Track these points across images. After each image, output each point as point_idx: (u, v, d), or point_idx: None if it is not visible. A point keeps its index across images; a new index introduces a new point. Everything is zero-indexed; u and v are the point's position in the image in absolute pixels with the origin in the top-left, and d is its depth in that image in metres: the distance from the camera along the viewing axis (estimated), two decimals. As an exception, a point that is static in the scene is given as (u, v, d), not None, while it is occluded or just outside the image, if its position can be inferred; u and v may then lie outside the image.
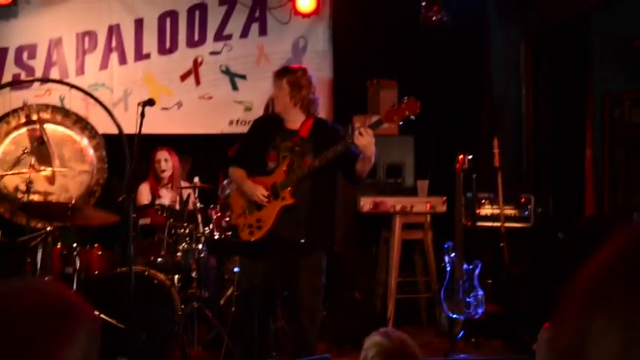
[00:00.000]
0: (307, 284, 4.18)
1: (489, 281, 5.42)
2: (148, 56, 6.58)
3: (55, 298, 1.06)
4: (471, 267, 5.22)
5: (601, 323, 0.76)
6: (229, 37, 6.67)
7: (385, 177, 6.19)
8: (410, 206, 5.84)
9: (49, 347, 1.00)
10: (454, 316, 5.27)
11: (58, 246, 5.09)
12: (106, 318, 4.34)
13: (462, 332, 5.30)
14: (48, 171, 5.80)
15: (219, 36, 6.65)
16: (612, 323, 0.76)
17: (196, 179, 5.44)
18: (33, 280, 1.54)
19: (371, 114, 6.26)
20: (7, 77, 6.34)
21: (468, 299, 5.18)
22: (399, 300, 5.83)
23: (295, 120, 4.27)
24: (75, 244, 5.02)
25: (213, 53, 6.66)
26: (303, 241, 4.14)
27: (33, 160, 5.61)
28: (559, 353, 0.80)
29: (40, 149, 6.06)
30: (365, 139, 3.91)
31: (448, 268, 5.30)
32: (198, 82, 6.65)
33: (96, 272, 4.99)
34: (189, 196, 5.64)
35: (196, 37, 6.63)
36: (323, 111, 6.39)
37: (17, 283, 1.10)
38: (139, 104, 4.54)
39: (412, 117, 3.98)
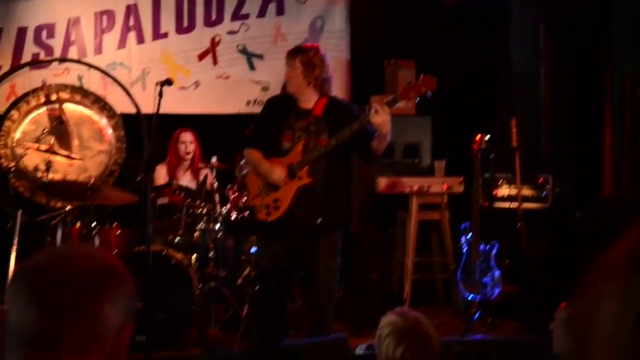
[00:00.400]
0: (324, 264, 4.20)
1: (506, 262, 5.41)
2: (165, 35, 6.58)
3: (103, 262, 1.19)
4: (487, 247, 5.22)
5: (610, 294, 0.82)
6: (246, 16, 6.65)
7: (402, 157, 6.19)
8: (427, 186, 5.84)
9: (95, 302, 1.13)
10: (470, 296, 5.28)
11: (78, 225, 5.14)
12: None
13: (478, 313, 5.31)
14: (68, 157, 5.83)
15: (236, 15, 6.64)
16: (621, 295, 0.81)
17: (214, 159, 5.46)
18: (85, 245, 1.73)
19: (388, 94, 6.22)
20: (27, 56, 6.37)
21: (484, 280, 5.18)
22: (416, 280, 5.84)
23: (309, 99, 4.26)
24: (94, 224, 5.08)
25: (230, 32, 6.65)
26: (319, 221, 4.15)
27: (52, 139, 5.64)
28: (574, 324, 0.87)
29: (60, 129, 6.10)
30: (381, 117, 3.90)
31: (465, 249, 5.31)
32: (215, 61, 6.65)
33: (115, 251, 5.04)
34: (206, 176, 5.68)
35: (214, 17, 6.62)
36: (340, 91, 6.39)
37: (72, 247, 1.28)
38: (157, 84, 4.56)
39: (429, 94, 3.96)
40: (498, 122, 6.42)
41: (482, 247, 5.22)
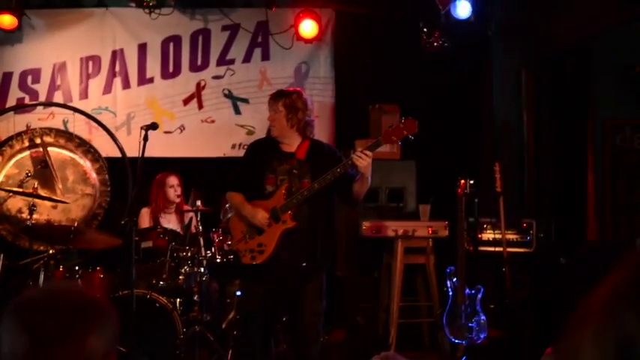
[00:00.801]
0: (309, 308, 4.17)
1: (492, 306, 5.40)
2: (151, 80, 6.63)
3: (88, 296, 1.34)
4: (473, 292, 5.21)
5: (588, 340, 0.84)
6: (232, 61, 6.72)
7: (387, 201, 6.21)
8: (412, 230, 5.84)
9: (81, 332, 1.25)
10: (456, 341, 5.25)
11: (61, 269, 5.08)
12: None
13: (464, 357, 5.27)
14: (52, 200, 5.80)
15: (222, 60, 6.70)
16: (597, 341, 0.84)
17: (198, 203, 5.44)
18: (72, 282, 1.86)
19: (373, 138, 6.27)
20: (12, 101, 6.39)
21: (470, 324, 5.16)
22: (401, 324, 5.81)
23: (291, 143, 4.29)
24: (77, 267, 5.02)
25: (215, 77, 6.70)
26: (304, 265, 4.13)
27: (36, 183, 5.61)
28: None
29: (44, 172, 6.08)
30: (365, 161, 3.94)
31: (450, 293, 5.29)
32: (200, 105, 6.69)
33: (97, 296, 4.97)
34: (191, 219, 5.66)
35: (199, 62, 6.68)
36: (325, 135, 6.44)
37: (59, 283, 1.52)
38: (142, 128, 4.57)
39: (411, 137, 3.99)
40: (482, 167, 6.46)
41: (467, 291, 5.21)
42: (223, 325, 5.46)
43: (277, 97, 4.33)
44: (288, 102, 4.25)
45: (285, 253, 4.17)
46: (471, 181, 5.33)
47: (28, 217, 5.12)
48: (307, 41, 6.61)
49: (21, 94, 6.40)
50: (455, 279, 5.26)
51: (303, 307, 4.17)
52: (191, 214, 5.64)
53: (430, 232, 5.86)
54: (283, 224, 4.14)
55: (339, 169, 4.03)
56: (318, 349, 4.27)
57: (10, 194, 5.78)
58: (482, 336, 5.15)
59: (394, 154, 6.16)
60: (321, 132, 6.21)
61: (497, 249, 5.62)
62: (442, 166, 6.40)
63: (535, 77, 6.56)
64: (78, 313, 1.27)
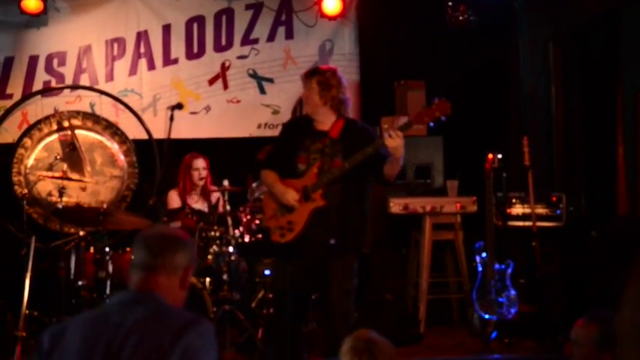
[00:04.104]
0: (338, 286, 4.16)
1: (522, 281, 5.37)
2: (176, 61, 6.64)
3: (180, 233, 2.32)
4: (502, 267, 5.19)
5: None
6: (256, 41, 6.71)
7: (414, 178, 6.19)
8: (440, 206, 5.83)
9: (173, 250, 2.22)
10: (486, 316, 5.23)
11: (91, 250, 5.14)
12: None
13: (494, 333, 5.26)
14: (81, 181, 5.87)
15: (246, 40, 6.69)
16: None
17: (225, 182, 5.46)
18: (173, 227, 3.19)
19: (399, 115, 6.26)
20: (38, 85, 6.43)
21: (500, 299, 5.14)
22: (431, 301, 5.81)
23: (325, 121, 4.26)
24: (107, 249, 5.08)
25: (240, 57, 6.70)
26: (333, 242, 4.12)
27: (65, 166, 5.67)
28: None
29: (72, 155, 6.14)
30: (395, 141, 3.90)
31: (479, 269, 5.27)
32: (226, 86, 6.69)
33: (185, 235, 5.00)
34: (218, 199, 5.68)
35: (223, 42, 6.68)
36: (350, 113, 6.38)
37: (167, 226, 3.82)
38: (167, 108, 4.59)
39: (443, 118, 3.96)
40: (510, 141, 6.41)
41: (497, 266, 5.19)
42: (253, 304, 5.49)
43: (311, 74, 4.30)
44: (321, 79, 4.21)
45: (315, 232, 4.16)
46: (499, 156, 5.29)
47: (58, 199, 5.18)
48: (331, 18, 6.57)
49: (47, 78, 6.45)
50: (484, 254, 5.23)
51: (332, 285, 4.16)
52: (219, 194, 5.66)
53: (458, 207, 5.84)
54: (313, 203, 4.13)
55: (369, 149, 4.00)
56: (349, 327, 4.26)
57: (40, 177, 5.84)
58: (512, 311, 5.13)
59: (420, 130, 6.09)
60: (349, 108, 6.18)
61: (526, 223, 5.59)
62: (469, 141, 6.36)
63: (563, 49, 6.46)
64: (171, 240, 2.25)
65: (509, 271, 5.17)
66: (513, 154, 5.96)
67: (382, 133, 4.14)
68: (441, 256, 6.05)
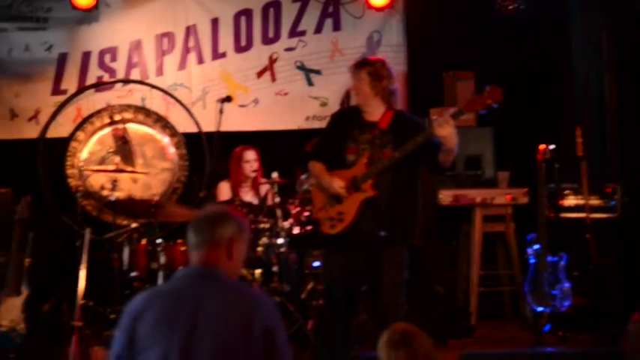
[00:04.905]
0: (389, 278, 4.14)
1: (576, 273, 5.28)
2: (224, 55, 6.69)
3: (225, 210, 2.52)
4: (555, 259, 5.11)
5: None
6: (303, 33, 6.71)
7: (464, 169, 6.13)
8: (490, 198, 5.78)
9: (217, 224, 2.40)
10: (539, 309, 5.16)
11: (143, 242, 5.21)
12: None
13: (548, 325, 5.18)
14: (133, 173, 5.96)
15: (293, 32, 6.70)
16: None
17: (275, 175, 5.48)
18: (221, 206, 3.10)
19: (447, 106, 6.20)
20: (91, 80, 6.55)
21: (553, 292, 5.07)
22: (482, 293, 5.76)
23: (375, 112, 4.23)
24: (159, 241, 5.14)
25: (288, 49, 6.71)
26: (383, 233, 4.11)
27: (118, 159, 5.76)
28: None
29: (124, 148, 6.24)
30: (445, 130, 3.86)
31: (532, 261, 5.20)
32: (274, 78, 6.72)
33: (179, 268, 5.08)
34: (267, 191, 5.70)
35: (271, 34, 6.70)
36: (399, 105, 6.35)
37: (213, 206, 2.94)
38: (217, 101, 4.63)
39: (494, 106, 3.90)
40: (563, 131, 6.30)
41: (550, 258, 5.11)
42: (303, 296, 5.50)
43: (361, 65, 4.28)
44: (372, 70, 4.19)
45: (365, 223, 4.15)
46: (552, 147, 5.21)
47: (111, 192, 5.27)
48: (378, 9, 6.53)
49: (100, 73, 6.56)
50: (536, 246, 5.16)
51: (382, 277, 4.15)
52: (268, 186, 5.68)
53: (509, 199, 5.78)
54: (363, 193, 4.12)
55: (419, 139, 3.97)
56: (399, 319, 4.24)
57: (93, 171, 5.95)
58: (565, 304, 5.06)
59: (470, 120, 6.05)
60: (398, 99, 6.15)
61: (579, 215, 5.49)
62: (520, 132, 6.27)
63: (616, 37, 6.32)
64: (210, 216, 2.44)
65: (563, 263, 5.09)
66: (566, 144, 5.86)
67: (432, 123, 4.10)
68: (491, 249, 5.99)
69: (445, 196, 5.79)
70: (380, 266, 4.13)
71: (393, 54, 6.68)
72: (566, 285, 5.08)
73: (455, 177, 6.01)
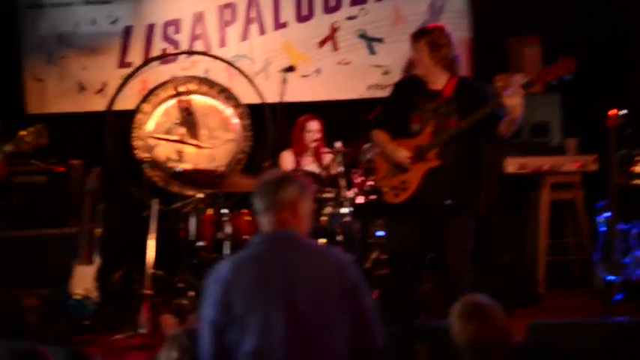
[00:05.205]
0: (455, 247, 4.12)
1: (648, 241, 5.15)
2: (285, 25, 6.68)
3: (288, 174, 2.74)
4: (627, 227, 4.99)
5: None
6: (365, 0, 6.65)
7: (530, 136, 6.01)
8: (559, 165, 5.66)
9: (281, 186, 2.53)
10: (610, 278, 5.05)
11: (209, 212, 5.28)
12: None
13: (620, 295, 5.07)
14: (197, 146, 6.04)
15: (355, 0, 6.64)
16: None
17: (338, 144, 5.47)
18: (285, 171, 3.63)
19: (513, 72, 6.07)
20: (156, 52, 6.64)
21: (624, 260, 4.96)
22: (550, 262, 5.67)
23: (438, 80, 4.18)
24: (225, 210, 5.20)
25: (349, 18, 6.66)
26: (448, 202, 4.07)
27: (183, 130, 5.85)
28: None
29: (189, 120, 6.33)
30: (514, 99, 3.81)
31: (601, 229, 5.09)
32: (335, 47, 6.68)
33: (245, 237, 5.14)
34: (331, 161, 5.70)
35: (332, 3, 6.65)
36: (463, 71, 6.24)
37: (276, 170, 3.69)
38: (280, 71, 4.63)
39: (567, 77, 3.81)
40: (633, 96, 6.10)
41: (621, 226, 4.99)
42: (367, 265, 5.51)
43: (419, 35, 4.22)
44: (430, 39, 4.13)
45: (429, 192, 4.12)
46: (623, 112, 5.06)
47: (176, 163, 5.35)
48: (441, -26, 6.41)
49: (164, 45, 6.64)
50: (607, 214, 5.05)
51: (447, 245, 4.13)
52: (331, 155, 5.68)
53: (578, 166, 5.65)
54: (428, 162, 4.09)
55: (487, 108, 3.91)
56: (466, 288, 4.21)
57: (159, 142, 6.05)
58: (638, 272, 4.94)
59: (537, 87, 5.90)
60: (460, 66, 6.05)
61: (652, 182, 5.34)
62: (589, 98, 6.09)
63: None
64: (277, 179, 2.56)
65: (635, 231, 4.96)
66: (637, 109, 5.68)
67: (498, 91, 4.03)
68: (559, 217, 5.88)
69: (511, 164, 5.70)
70: (445, 235, 4.11)
71: (457, 20, 6.56)
72: (638, 253, 4.96)
73: (521, 144, 5.90)
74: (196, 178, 5.39)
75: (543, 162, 5.69)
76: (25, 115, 6.58)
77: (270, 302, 2.34)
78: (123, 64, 6.62)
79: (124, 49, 6.62)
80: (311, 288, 2.36)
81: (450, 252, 4.13)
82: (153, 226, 5.12)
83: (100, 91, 6.63)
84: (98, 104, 6.61)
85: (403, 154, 4.13)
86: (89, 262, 5.16)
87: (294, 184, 2.53)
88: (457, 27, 6.43)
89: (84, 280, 5.09)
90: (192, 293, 4.94)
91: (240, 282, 2.40)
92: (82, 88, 6.64)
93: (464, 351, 2.40)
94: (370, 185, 5.37)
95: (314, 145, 5.78)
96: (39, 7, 6.64)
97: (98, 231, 5.32)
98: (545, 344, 2.59)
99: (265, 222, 2.53)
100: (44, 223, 5.44)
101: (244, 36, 6.67)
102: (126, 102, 6.58)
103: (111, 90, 6.58)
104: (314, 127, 5.76)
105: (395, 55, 6.54)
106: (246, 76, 6.51)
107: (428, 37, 4.16)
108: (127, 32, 6.62)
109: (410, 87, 4.30)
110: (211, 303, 2.42)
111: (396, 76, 6.35)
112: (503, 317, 2.41)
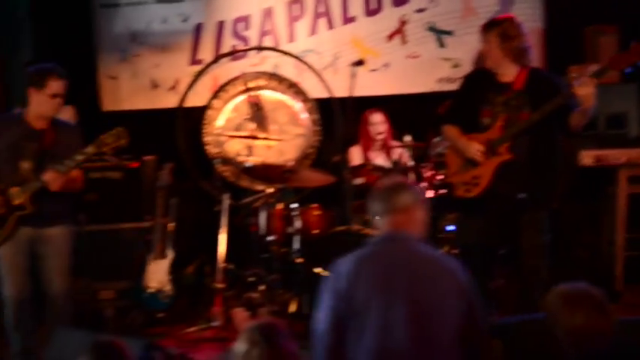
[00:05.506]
0: (530, 242, 4.06)
1: None
2: (354, 19, 6.65)
3: (404, 181, 3.04)
4: None
5: None
6: (434, -7, 6.57)
7: (606, 128, 5.84)
8: (636, 158, 5.48)
9: (400, 191, 2.74)
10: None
11: (280, 207, 5.32)
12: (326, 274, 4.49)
13: None
14: (268, 139, 6.10)
15: (424, -7, 6.58)
16: None
17: (408, 138, 5.44)
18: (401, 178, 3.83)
19: (589, 63, 5.90)
20: (226, 49, 6.69)
21: None
22: (628, 258, 5.50)
23: (508, 72, 4.11)
24: (295, 205, 5.23)
25: (418, 11, 6.59)
26: (521, 196, 4.00)
27: (253, 125, 5.90)
28: None
29: (259, 115, 6.38)
30: (586, 89, 3.70)
31: (684, 223, 4.91)
32: (404, 41, 6.62)
33: (316, 231, 5.15)
34: (401, 154, 5.67)
35: (402, -5, 6.60)
36: (535, 63, 6.10)
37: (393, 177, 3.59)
38: (350, 65, 4.62)
39: None
40: None
41: None
42: (437, 260, 5.45)
43: (489, 27, 4.15)
44: (500, 31, 4.07)
45: (502, 186, 4.07)
46: None
47: (247, 158, 5.41)
48: (513, -36, 6.28)
49: (234, 42, 6.70)
50: (688, 208, 4.87)
51: (521, 240, 4.07)
52: (401, 149, 5.65)
53: (657, 159, 5.45)
54: (499, 156, 4.03)
55: (559, 99, 3.82)
56: (540, 283, 4.13)
57: (229, 137, 6.12)
58: None
59: (613, 77, 5.72)
60: (531, 59, 5.92)
61: None
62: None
63: None
64: (394, 186, 2.74)
65: None
66: None
67: (571, 81, 3.93)
68: (637, 211, 5.69)
69: (586, 157, 5.54)
70: (519, 230, 4.05)
71: (529, 10, 6.41)
72: None
73: (596, 136, 5.74)
74: (266, 172, 5.43)
75: (620, 154, 5.52)
76: (101, 111, 6.76)
77: (393, 298, 2.45)
78: (194, 61, 6.72)
79: (195, 47, 6.72)
80: (430, 287, 2.48)
81: (523, 247, 4.06)
82: (224, 221, 5.20)
83: (172, 88, 6.75)
84: (170, 101, 6.73)
85: (476, 148, 4.08)
86: (163, 256, 5.27)
87: (408, 192, 2.72)
88: (529, 17, 6.29)
89: (158, 273, 5.20)
90: (262, 287, 4.98)
91: (363, 277, 2.51)
92: (154, 85, 6.78)
93: (567, 340, 2.35)
94: (440, 179, 5.31)
95: (380, 137, 5.76)
96: (114, 7, 6.80)
97: (171, 225, 5.42)
98: (630, 344, 2.49)
99: (382, 223, 2.71)
100: (119, 218, 5.57)
101: (313, 31, 6.68)
102: (197, 98, 6.68)
103: (182, 87, 6.69)
104: (377, 119, 5.75)
105: (465, 48, 6.44)
106: (315, 71, 6.52)
107: (498, 28, 4.09)
108: (198, 30, 6.72)
109: (479, 80, 4.25)
110: (335, 293, 2.54)
111: (466, 69, 6.26)
112: (611, 306, 2.36)
